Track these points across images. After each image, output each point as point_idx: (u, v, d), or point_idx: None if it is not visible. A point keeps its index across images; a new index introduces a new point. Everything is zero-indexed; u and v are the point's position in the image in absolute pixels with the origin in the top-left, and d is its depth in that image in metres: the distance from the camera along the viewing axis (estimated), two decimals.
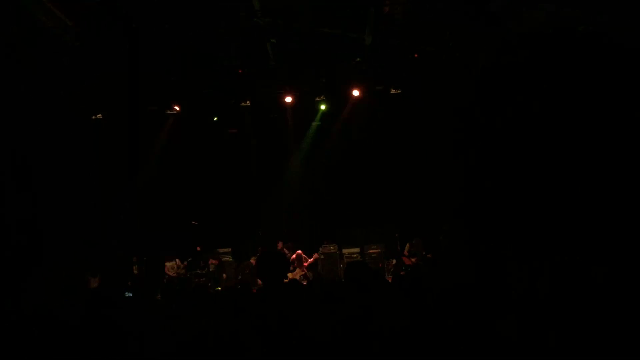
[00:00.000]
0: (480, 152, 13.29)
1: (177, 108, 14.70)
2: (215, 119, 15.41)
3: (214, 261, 14.56)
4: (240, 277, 13.96)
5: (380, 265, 14.09)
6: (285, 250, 14.05)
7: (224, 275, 14.32)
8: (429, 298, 2.90)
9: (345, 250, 14.47)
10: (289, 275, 13.42)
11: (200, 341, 3.15)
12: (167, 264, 14.39)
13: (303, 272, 13.95)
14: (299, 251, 14.16)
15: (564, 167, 10.51)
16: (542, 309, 2.39)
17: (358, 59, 13.53)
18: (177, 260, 14.52)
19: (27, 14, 9.47)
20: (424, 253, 13.46)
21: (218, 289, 12.95)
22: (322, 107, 14.90)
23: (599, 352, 2.13)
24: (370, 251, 14.51)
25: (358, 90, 14.41)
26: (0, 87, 10.74)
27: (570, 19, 9.74)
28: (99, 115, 14.27)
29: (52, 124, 12.73)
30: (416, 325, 2.44)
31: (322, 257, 14.29)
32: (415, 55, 13.14)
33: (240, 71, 13.50)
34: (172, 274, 14.37)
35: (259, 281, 5.22)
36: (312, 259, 14.34)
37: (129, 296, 10.14)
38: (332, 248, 14.42)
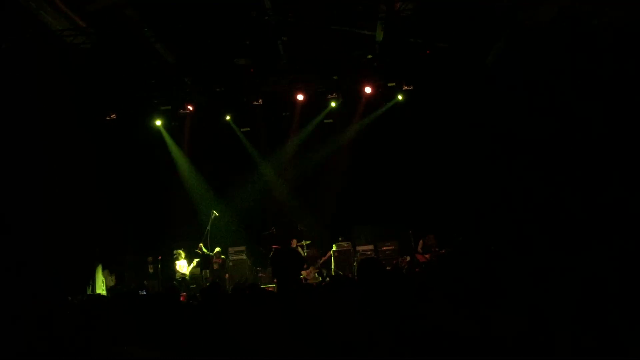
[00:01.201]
0: (492, 150, 13.23)
1: (190, 108, 14.76)
2: (227, 117, 15.46)
3: (217, 260, 14.61)
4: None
5: (394, 262, 14.07)
6: (299, 249, 14.09)
7: (227, 275, 14.34)
8: (436, 295, 2.91)
9: (359, 247, 14.46)
10: (303, 273, 13.47)
11: (215, 339, 3.17)
12: (178, 262, 14.46)
13: (317, 270, 13.98)
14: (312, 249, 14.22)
15: (572, 165, 10.42)
16: (547, 309, 2.38)
17: (369, 56, 13.50)
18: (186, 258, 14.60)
19: (38, 16, 9.55)
20: (438, 249, 13.43)
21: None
22: (333, 104, 14.89)
23: (602, 352, 2.12)
24: (384, 248, 14.48)
25: (370, 87, 14.37)
26: (10, 90, 10.86)
27: (583, 13, 9.65)
28: (112, 116, 14.37)
29: (64, 125, 12.85)
30: (421, 323, 2.45)
31: (336, 254, 14.30)
32: (428, 52, 13.08)
33: (252, 70, 13.53)
34: (183, 272, 14.46)
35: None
36: (325, 257, 14.36)
37: (142, 294, 10.22)
38: (345, 245, 14.42)
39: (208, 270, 14.67)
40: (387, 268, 13.14)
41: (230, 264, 14.51)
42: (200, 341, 3.19)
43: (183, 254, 14.49)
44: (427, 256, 13.49)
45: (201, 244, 14.27)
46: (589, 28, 9.73)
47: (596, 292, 2.58)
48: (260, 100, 14.54)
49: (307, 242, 14.47)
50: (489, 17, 10.95)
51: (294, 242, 14.22)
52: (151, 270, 14.82)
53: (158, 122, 15.22)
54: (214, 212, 14.51)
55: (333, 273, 14.03)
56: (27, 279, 10.71)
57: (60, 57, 11.34)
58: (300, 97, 14.62)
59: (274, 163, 16.18)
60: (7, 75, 10.88)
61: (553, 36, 10.23)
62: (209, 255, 14.40)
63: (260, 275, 14.63)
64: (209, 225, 14.32)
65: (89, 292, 14.02)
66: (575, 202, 10.08)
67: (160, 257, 14.60)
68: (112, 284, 14.38)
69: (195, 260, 14.39)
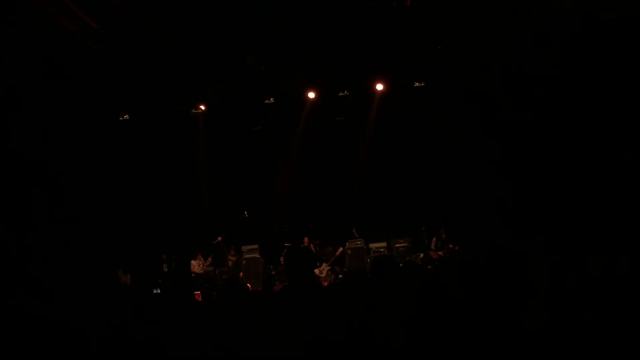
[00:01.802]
0: (504, 145, 13.14)
1: (202, 107, 14.82)
2: (239, 115, 15.50)
3: (232, 258, 14.65)
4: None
5: (407, 259, 14.03)
6: (312, 247, 14.09)
7: (241, 274, 14.36)
8: (450, 292, 2.89)
9: (372, 245, 14.43)
10: (316, 271, 13.47)
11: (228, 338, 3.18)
12: (193, 261, 14.54)
13: (329, 268, 13.97)
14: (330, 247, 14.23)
15: (590, 159, 10.31)
16: (566, 305, 2.35)
17: (381, 53, 13.46)
18: (201, 256, 14.67)
19: (49, 18, 9.61)
20: (451, 246, 13.38)
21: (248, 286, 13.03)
22: (344, 101, 14.91)
23: (623, 350, 2.09)
24: (397, 245, 14.44)
25: (382, 84, 14.35)
26: (24, 91, 10.93)
27: (595, 7, 9.54)
28: (125, 116, 14.48)
29: (79, 126, 12.93)
30: (438, 321, 2.43)
31: (349, 251, 14.28)
32: (439, 48, 13.01)
33: (262, 68, 13.54)
34: (198, 271, 14.52)
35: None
36: (337, 254, 14.34)
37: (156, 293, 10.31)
38: (358, 242, 14.40)
39: (222, 269, 14.74)
40: (401, 265, 13.20)
41: (244, 262, 14.55)
42: (211, 339, 3.20)
43: (199, 253, 14.59)
44: (440, 253, 13.45)
45: (220, 238, 14.39)
46: (602, 22, 9.62)
47: (620, 287, 2.55)
48: (271, 99, 14.57)
49: (319, 241, 14.48)
50: (501, 11, 10.87)
51: (307, 240, 14.24)
52: (165, 269, 14.92)
53: (171, 122, 15.33)
54: (245, 213, 14.66)
55: (346, 270, 14.03)
56: (41, 278, 10.79)
57: (74, 58, 11.42)
58: (311, 94, 14.62)
59: (286, 161, 16.19)
60: (21, 75, 10.98)
61: (566, 30, 10.14)
62: (225, 251, 14.51)
63: (272, 273, 14.66)
64: (236, 222, 14.60)
65: (104, 290, 14.13)
66: (590, 199, 9.99)
67: (174, 256, 14.69)
68: (127, 282, 14.49)
69: (210, 258, 14.48)
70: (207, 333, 3.26)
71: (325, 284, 11.66)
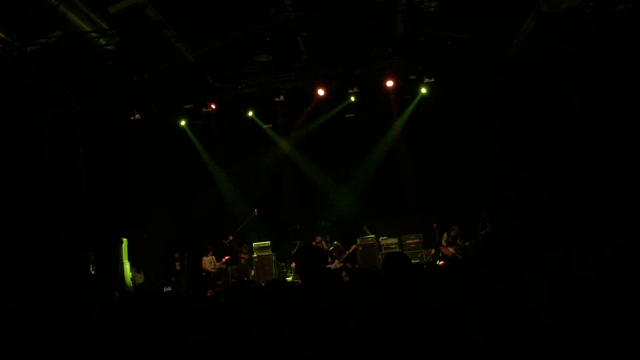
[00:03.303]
0: (514, 141, 13.09)
1: (213, 106, 14.87)
2: (250, 113, 15.52)
3: (244, 256, 14.71)
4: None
5: (419, 255, 14.03)
6: (324, 244, 14.11)
7: (252, 272, 14.41)
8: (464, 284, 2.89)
9: (383, 241, 14.43)
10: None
11: (240, 334, 3.21)
12: (205, 258, 14.60)
13: (341, 264, 13.98)
14: (337, 242, 14.23)
15: (598, 154, 10.24)
16: (572, 300, 2.35)
17: (390, 49, 13.45)
18: (212, 253, 14.75)
19: (63, 19, 9.69)
20: (462, 242, 13.35)
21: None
22: (352, 98, 14.88)
23: (631, 344, 2.09)
24: (409, 241, 14.44)
25: (391, 80, 14.33)
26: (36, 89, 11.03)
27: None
28: (137, 115, 14.55)
29: (91, 125, 13.04)
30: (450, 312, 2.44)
31: (361, 248, 14.29)
32: (448, 43, 12.97)
33: (272, 66, 13.57)
34: (210, 269, 14.57)
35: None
36: (350, 250, 14.35)
37: (167, 290, 10.38)
38: (370, 239, 14.41)
39: (234, 267, 14.80)
40: (414, 261, 13.20)
41: (256, 259, 14.59)
42: (218, 338, 3.22)
43: (210, 249, 14.68)
44: (451, 249, 13.42)
45: (231, 237, 14.47)
46: (614, 14, 9.54)
47: (624, 284, 2.54)
48: (281, 97, 14.60)
49: (330, 237, 14.52)
50: (512, 6, 10.82)
51: (319, 238, 14.26)
52: (178, 267, 15.00)
53: (182, 122, 15.41)
54: (255, 210, 14.71)
55: (358, 267, 14.04)
56: (51, 274, 10.90)
57: (85, 58, 11.50)
58: (321, 92, 14.62)
59: (297, 158, 16.21)
60: (33, 75, 11.09)
61: (576, 24, 10.06)
62: (237, 249, 14.59)
63: (283, 270, 14.72)
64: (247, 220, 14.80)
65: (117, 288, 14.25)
66: (600, 192, 9.93)
67: (186, 254, 14.77)
68: (140, 281, 14.58)
69: (224, 258, 14.60)
70: (216, 331, 3.29)
71: None
